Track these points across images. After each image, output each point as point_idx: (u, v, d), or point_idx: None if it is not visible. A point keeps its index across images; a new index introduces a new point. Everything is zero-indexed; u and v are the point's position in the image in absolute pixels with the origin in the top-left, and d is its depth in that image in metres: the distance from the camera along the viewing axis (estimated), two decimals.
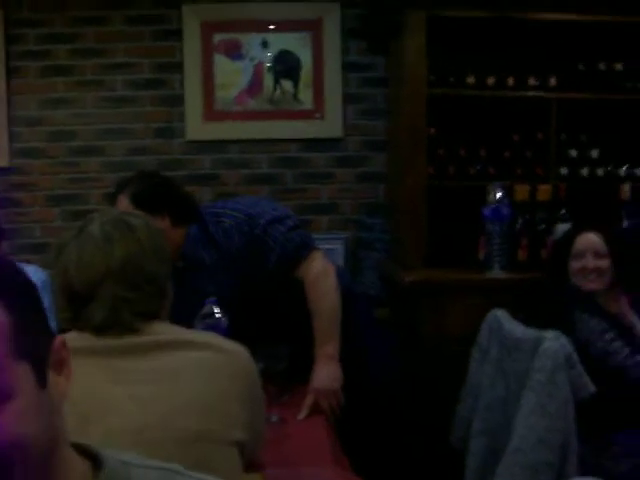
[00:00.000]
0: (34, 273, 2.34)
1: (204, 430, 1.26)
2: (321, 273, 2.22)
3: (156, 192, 2.29)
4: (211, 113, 3.36)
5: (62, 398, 0.78)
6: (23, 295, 0.76)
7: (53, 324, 2.36)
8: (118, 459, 0.82)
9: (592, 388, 2.00)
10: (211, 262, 2.29)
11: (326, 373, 2.14)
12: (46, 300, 2.60)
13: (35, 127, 3.36)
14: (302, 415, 2.05)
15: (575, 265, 2.39)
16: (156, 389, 1.26)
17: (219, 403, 1.30)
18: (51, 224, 3.37)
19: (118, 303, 1.33)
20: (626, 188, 3.07)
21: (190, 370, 1.30)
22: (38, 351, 0.75)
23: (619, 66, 3.18)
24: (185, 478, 0.87)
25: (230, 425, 1.30)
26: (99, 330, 1.32)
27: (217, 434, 1.28)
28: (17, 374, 0.71)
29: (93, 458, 0.81)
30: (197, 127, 3.36)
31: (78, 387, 1.26)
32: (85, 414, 1.23)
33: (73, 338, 1.35)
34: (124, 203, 2.23)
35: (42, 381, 0.74)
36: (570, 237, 2.48)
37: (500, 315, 2.38)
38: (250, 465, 1.41)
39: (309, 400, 2.08)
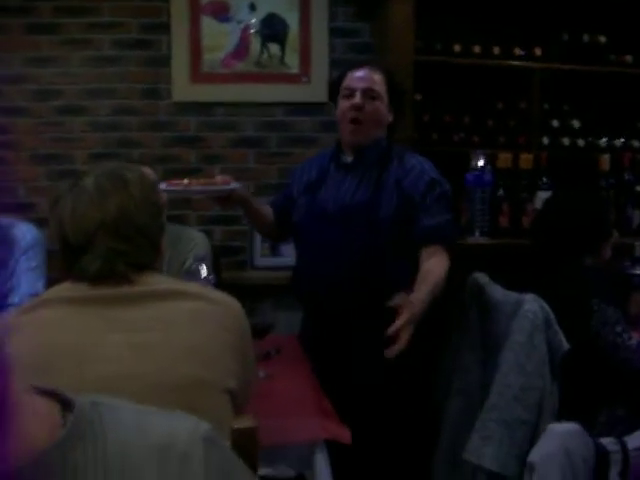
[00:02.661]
0: (28, 231, 2.36)
1: (197, 377, 1.29)
2: (446, 270, 2.29)
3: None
4: (198, 75, 3.35)
5: None
6: None
7: (43, 281, 2.40)
8: (88, 400, 0.81)
9: (566, 346, 2.06)
10: (370, 173, 2.38)
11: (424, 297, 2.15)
12: (39, 257, 2.64)
13: (20, 85, 3.33)
14: (394, 328, 1.97)
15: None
16: (151, 337, 1.30)
17: (212, 351, 1.34)
18: (35, 184, 3.36)
19: (111, 254, 1.35)
20: (606, 159, 3.13)
21: (184, 319, 1.34)
22: None
23: (603, 38, 3.23)
24: (158, 417, 0.86)
25: (222, 373, 1.34)
26: (94, 280, 1.34)
27: (210, 381, 1.31)
28: None
29: (61, 401, 0.80)
30: (183, 89, 3.35)
31: (73, 334, 1.30)
32: (80, 360, 1.27)
33: (68, 288, 1.38)
34: (377, 77, 2.38)
35: None
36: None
37: (480, 278, 2.43)
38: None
39: (406, 315, 1.99)
